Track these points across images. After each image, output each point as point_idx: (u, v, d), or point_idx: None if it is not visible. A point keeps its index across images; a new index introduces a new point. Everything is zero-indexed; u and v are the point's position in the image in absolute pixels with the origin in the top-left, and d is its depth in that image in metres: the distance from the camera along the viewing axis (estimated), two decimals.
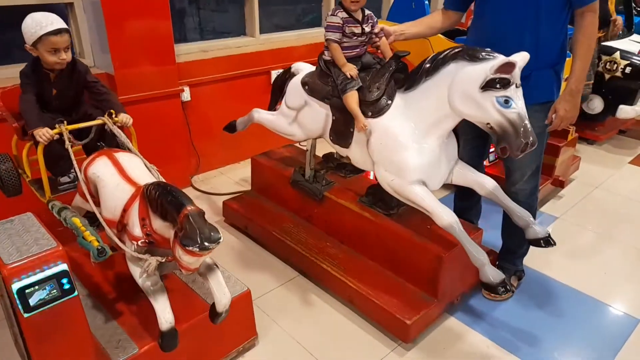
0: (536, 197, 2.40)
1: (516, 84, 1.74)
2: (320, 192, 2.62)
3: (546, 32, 2.04)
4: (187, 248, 1.41)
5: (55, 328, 1.50)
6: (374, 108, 2.09)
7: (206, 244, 1.40)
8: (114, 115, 2.04)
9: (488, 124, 1.80)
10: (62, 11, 2.99)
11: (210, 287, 1.72)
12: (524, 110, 1.75)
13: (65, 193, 2.14)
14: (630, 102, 4.09)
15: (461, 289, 2.37)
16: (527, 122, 1.74)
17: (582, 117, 4.11)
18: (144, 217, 1.62)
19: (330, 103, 2.27)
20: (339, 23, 2.11)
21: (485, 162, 2.83)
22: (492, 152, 3.30)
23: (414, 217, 2.30)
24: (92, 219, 1.88)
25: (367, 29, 2.16)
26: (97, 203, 1.83)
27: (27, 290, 1.41)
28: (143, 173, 1.84)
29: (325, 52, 2.24)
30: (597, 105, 4.22)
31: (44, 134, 1.90)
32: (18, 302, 1.41)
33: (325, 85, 2.27)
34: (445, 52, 1.88)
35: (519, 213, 2.05)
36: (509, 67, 1.69)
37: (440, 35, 3.04)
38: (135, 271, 1.69)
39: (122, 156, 1.90)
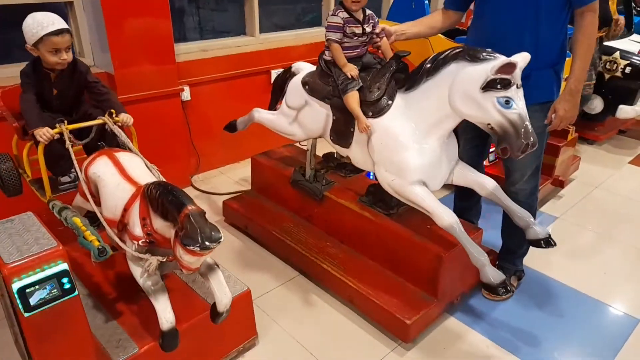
0: (536, 197, 2.40)
1: (517, 85, 1.74)
2: (320, 191, 2.62)
3: (546, 32, 2.04)
4: (188, 247, 1.41)
5: (55, 327, 1.50)
6: (374, 108, 2.09)
7: (207, 243, 1.40)
8: (114, 115, 2.04)
9: (489, 124, 1.80)
10: (62, 10, 2.99)
11: (211, 287, 1.72)
12: (524, 110, 1.75)
13: (66, 193, 2.14)
14: (630, 102, 4.10)
15: (461, 289, 2.37)
16: (527, 122, 1.74)
17: (582, 117, 4.13)
18: (145, 216, 1.62)
19: (330, 103, 2.27)
20: (339, 23, 2.11)
21: (485, 162, 2.83)
22: (492, 152, 3.30)
23: (414, 217, 2.30)
24: (92, 219, 1.88)
25: (368, 29, 2.16)
26: (98, 203, 1.83)
27: (27, 290, 1.41)
28: (144, 173, 1.84)
29: (326, 52, 2.24)
30: (597, 105, 4.22)
31: (44, 133, 1.90)
32: (18, 301, 1.41)
33: (325, 85, 2.27)
34: (446, 53, 1.88)
35: (520, 213, 2.05)
36: (509, 67, 1.69)
37: (440, 35, 3.04)
38: (136, 271, 1.69)
39: (122, 156, 1.90)
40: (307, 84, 2.37)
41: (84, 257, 2.10)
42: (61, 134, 1.94)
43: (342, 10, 2.11)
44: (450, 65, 1.86)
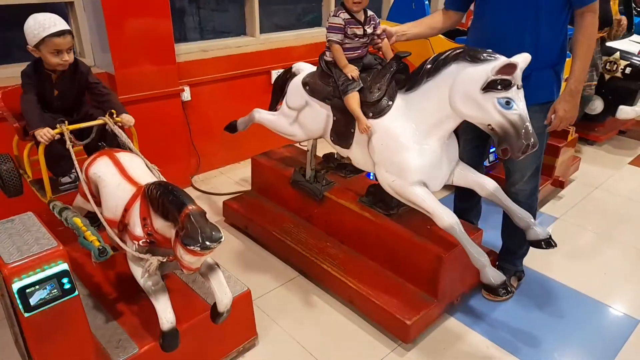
0: (536, 198, 2.40)
1: (517, 85, 1.74)
2: (320, 192, 2.62)
3: (546, 32, 2.04)
4: (188, 247, 1.41)
5: (55, 328, 1.50)
6: (375, 109, 2.09)
7: (207, 243, 1.40)
8: (114, 115, 2.04)
9: (489, 125, 1.80)
10: (63, 10, 2.99)
11: (211, 287, 1.72)
12: (525, 111, 1.75)
13: (67, 193, 2.14)
14: (630, 102, 4.10)
15: (461, 290, 2.37)
16: (528, 123, 1.74)
17: (583, 118, 4.13)
18: (145, 216, 1.62)
19: (331, 104, 2.27)
20: (340, 24, 2.10)
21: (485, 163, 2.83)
22: (492, 152, 3.31)
23: (414, 218, 2.30)
24: (93, 219, 1.88)
25: (369, 30, 2.16)
26: (98, 203, 1.83)
27: (27, 290, 1.41)
28: (144, 173, 1.84)
29: (327, 53, 2.24)
30: (597, 105, 4.22)
31: (45, 134, 1.90)
32: (18, 301, 1.41)
33: (326, 85, 2.27)
34: (447, 53, 1.88)
35: (520, 214, 2.05)
36: (510, 68, 1.69)
37: (440, 35, 3.04)
38: (137, 271, 1.69)
39: (123, 156, 1.90)
40: (308, 85, 2.37)
41: (85, 258, 2.10)
42: (62, 134, 1.94)
43: (344, 11, 2.11)
44: (451, 65, 1.86)
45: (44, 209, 2.03)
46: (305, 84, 2.38)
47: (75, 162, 1.88)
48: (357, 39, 2.14)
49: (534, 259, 2.66)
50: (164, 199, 1.52)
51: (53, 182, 2.11)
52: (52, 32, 1.91)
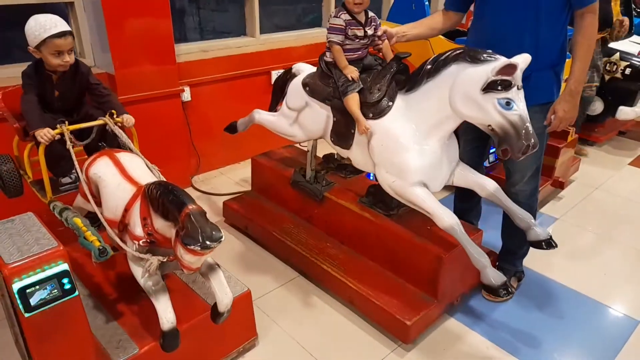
0: (536, 198, 2.40)
1: (518, 86, 1.74)
2: (320, 192, 2.62)
3: (546, 33, 2.05)
4: (188, 247, 1.41)
5: (56, 328, 1.50)
6: (375, 109, 2.09)
7: (208, 242, 1.40)
8: (115, 116, 2.05)
9: (489, 125, 1.80)
10: (63, 11, 2.99)
11: (211, 287, 1.72)
12: (525, 112, 1.75)
13: (67, 194, 2.14)
14: (630, 103, 4.10)
15: (461, 290, 2.37)
16: (528, 124, 1.74)
17: (586, 120, 4.13)
18: (146, 216, 1.63)
19: (331, 104, 2.27)
20: (341, 25, 2.10)
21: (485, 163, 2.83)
22: (492, 152, 3.31)
23: (414, 218, 2.30)
24: (93, 220, 1.88)
25: (370, 32, 2.15)
26: (99, 203, 1.83)
27: (27, 290, 1.41)
28: (144, 173, 1.84)
29: (327, 54, 2.24)
30: (597, 106, 4.23)
31: (45, 134, 1.90)
32: (19, 301, 1.41)
33: (326, 86, 2.27)
34: (447, 54, 1.88)
35: (521, 215, 2.05)
36: (510, 68, 1.69)
37: (441, 36, 3.04)
38: (137, 271, 1.69)
39: (123, 156, 1.90)
40: (308, 86, 2.37)
41: (85, 258, 2.10)
42: (62, 134, 1.94)
43: (345, 12, 2.11)
44: (451, 66, 1.86)
45: (44, 209, 2.03)
46: (305, 84, 2.38)
47: (76, 163, 1.88)
48: (357, 40, 2.14)
49: (534, 260, 2.66)
50: (164, 199, 1.52)
51: (53, 182, 2.11)
52: (53, 33, 1.91)
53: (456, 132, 2.10)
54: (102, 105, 2.14)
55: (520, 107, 1.74)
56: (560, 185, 3.46)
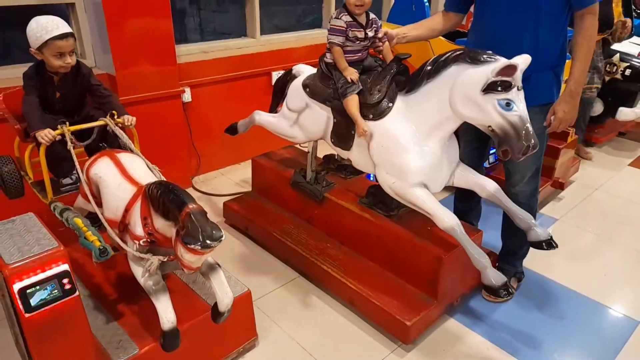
0: (536, 199, 2.40)
1: (518, 87, 1.74)
2: (320, 193, 2.62)
3: (546, 34, 2.05)
4: (189, 246, 1.41)
5: (56, 328, 1.51)
6: (375, 111, 2.10)
7: (208, 242, 1.40)
8: (115, 116, 2.05)
9: (489, 126, 1.80)
10: (64, 12, 3.00)
11: (212, 287, 1.72)
12: (525, 112, 1.75)
13: (67, 194, 2.14)
14: (630, 104, 4.10)
15: (461, 291, 2.37)
16: (528, 124, 1.74)
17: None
18: (146, 216, 1.63)
19: (331, 105, 2.28)
20: (342, 27, 2.09)
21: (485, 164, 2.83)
22: (492, 153, 3.31)
23: (414, 219, 2.30)
24: (94, 220, 1.88)
25: (371, 34, 2.15)
26: (99, 204, 1.83)
27: (28, 290, 1.42)
28: (145, 173, 1.84)
29: (327, 55, 2.24)
30: (597, 107, 4.23)
31: (46, 134, 1.91)
32: (19, 302, 1.41)
33: (326, 87, 2.27)
34: (447, 55, 1.88)
35: (521, 215, 2.06)
36: (510, 69, 1.69)
37: (441, 37, 3.04)
38: (137, 271, 1.69)
39: (124, 157, 1.91)
40: (308, 87, 2.37)
41: (85, 258, 2.10)
42: (63, 135, 1.94)
43: (346, 13, 2.10)
44: (451, 67, 1.86)
45: (44, 210, 2.03)
46: (305, 86, 2.38)
47: (76, 163, 1.88)
48: (358, 42, 2.14)
49: (533, 260, 2.66)
50: (164, 198, 1.53)
51: (54, 183, 2.12)
52: (55, 35, 1.92)
53: (456, 133, 2.10)
54: (103, 106, 2.15)
55: (520, 107, 1.74)
56: (560, 186, 3.46)
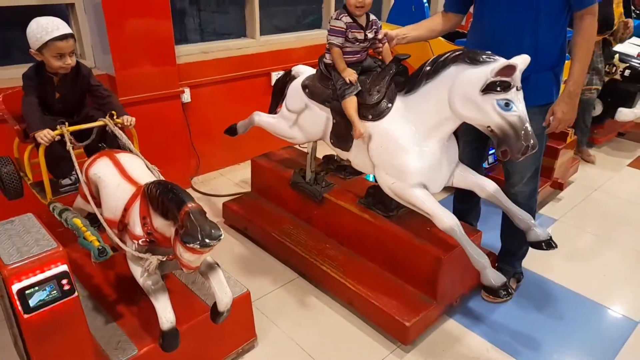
0: (535, 199, 2.40)
1: (517, 87, 1.74)
2: (320, 193, 2.62)
3: (545, 34, 2.05)
4: (188, 245, 1.41)
5: (55, 329, 1.50)
6: (374, 111, 2.10)
7: (207, 240, 1.40)
8: (115, 117, 2.05)
9: (489, 126, 1.80)
10: (63, 12, 3.00)
11: (211, 286, 1.72)
12: (524, 113, 1.75)
13: (67, 195, 2.14)
14: (629, 104, 4.10)
15: (460, 291, 2.37)
16: (527, 125, 1.74)
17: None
18: (145, 215, 1.63)
19: (330, 106, 2.28)
20: (342, 28, 2.09)
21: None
22: (491, 154, 3.31)
23: (413, 219, 2.31)
24: (93, 221, 1.88)
25: (370, 35, 2.14)
26: (99, 204, 1.83)
27: (27, 291, 1.42)
28: (144, 173, 1.85)
29: (326, 55, 2.24)
30: (596, 108, 4.23)
31: (45, 135, 1.91)
32: (18, 302, 1.41)
33: (325, 88, 2.27)
34: (446, 55, 1.88)
35: (520, 215, 2.06)
36: (509, 69, 1.69)
37: (440, 38, 3.05)
38: (136, 271, 1.69)
39: (123, 157, 1.91)
40: (307, 88, 2.37)
41: (84, 259, 2.10)
42: (62, 135, 1.94)
43: (346, 14, 2.10)
44: (450, 67, 1.86)
45: (44, 210, 2.03)
46: (304, 86, 2.38)
47: (76, 163, 1.88)
48: (357, 43, 2.14)
49: (533, 261, 2.66)
50: (163, 198, 1.53)
51: (53, 184, 2.12)
52: (55, 36, 1.92)
53: (455, 134, 2.10)
54: (103, 107, 2.15)
55: (519, 107, 1.74)
56: (559, 187, 3.46)
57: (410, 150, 2.01)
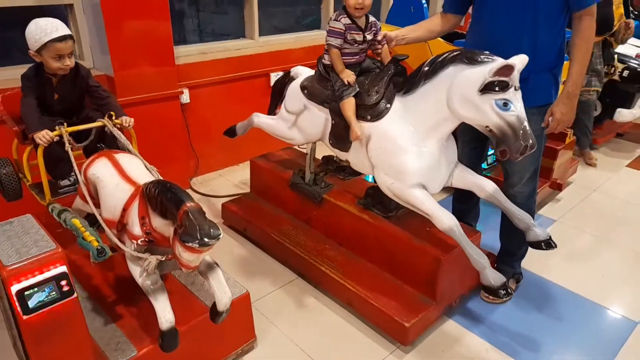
0: (534, 200, 2.40)
1: (515, 87, 1.74)
2: (319, 194, 2.62)
3: (544, 35, 2.05)
4: (186, 244, 1.40)
5: (54, 330, 1.50)
6: (372, 112, 2.10)
7: (206, 240, 1.39)
8: (113, 117, 2.05)
9: (487, 126, 1.80)
10: (62, 13, 3.00)
11: (210, 286, 1.72)
12: (523, 112, 1.75)
13: (65, 196, 2.14)
14: (628, 105, 4.11)
15: (460, 292, 2.37)
16: (526, 124, 1.74)
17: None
18: (144, 215, 1.62)
19: (329, 107, 2.28)
20: (341, 29, 2.09)
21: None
22: (490, 154, 3.31)
23: (412, 220, 2.31)
24: (92, 222, 1.88)
25: (369, 37, 2.14)
26: (97, 205, 1.83)
27: (26, 292, 1.41)
28: (143, 173, 1.84)
29: (325, 56, 2.24)
30: (595, 108, 4.23)
31: (43, 135, 1.91)
32: (17, 304, 1.41)
33: (324, 89, 2.27)
34: (444, 55, 1.89)
35: (520, 215, 2.06)
36: (507, 69, 1.70)
37: (439, 38, 3.05)
38: (135, 270, 1.68)
39: (122, 157, 1.91)
40: (306, 89, 2.37)
41: (83, 260, 2.10)
42: (61, 136, 1.94)
43: (345, 16, 2.09)
44: (448, 68, 1.86)
45: (42, 211, 2.02)
46: (303, 87, 2.38)
47: (74, 164, 1.88)
48: (356, 44, 2.13)
49: (532, 261, 2.66)
50: (162, 197, 1.52)
51: (52, 185, 2.11)
52: (54, 37, 1.92)
53: (454, 134, 2.10)
54: (102, 108, 2.15)
55: (517, 107, 1.74)
56: (558, 187, 3.46)
57: (409, 150, 2.01)
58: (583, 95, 3.71)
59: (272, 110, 2.75)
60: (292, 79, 2.53)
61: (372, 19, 2.17)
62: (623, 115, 4.09)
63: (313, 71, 2.42)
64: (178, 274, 2.12)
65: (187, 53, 3.48)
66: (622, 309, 2.48)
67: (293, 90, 2.45)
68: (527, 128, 1.74)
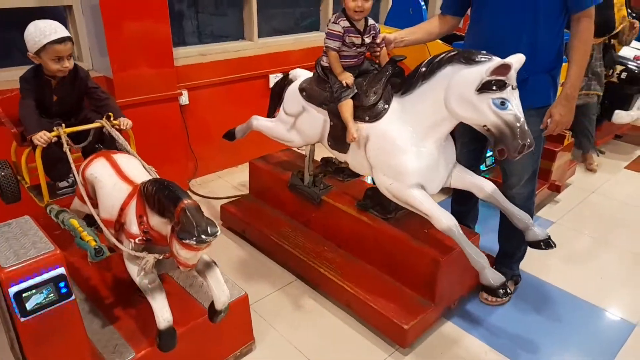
0: (533, 202, 2.41)
1: (512, 86, 1.75)
2: (318, 196, 2.62)
3: (544, 36, 2.06)
4: (184, 242, 1.40)
5: (52, 332, 1.50)
6: (371, 113, 2.10)
7: (203, 237, 1.39)
8: (112, 118, 2.05)
9: (485, 126, 1.81)
10: (61, 14, 3.00)
11: (208, 285, 1.71)
12: (520, 111, 1.76)
13: (64, 197, 2.13)
14: (626, 107, 4.11)
15: (458, 293, 2.37)
16: (524, 123, 1.74)
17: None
18: (141, 214, 1.62)
19: (328, 109, 2.28)
20: (340, 32, 2.09)
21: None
22: (489, 156, 3.32)
23: (411, 221, 2.31)
24: (90, 223, 1.88)
25: (368, 40, 2.14)
26: (95, 205, 1.83)
27: (24, 294, 1.41)
28: (141, 173, 1.84)
29: (323, 58, 2.24)
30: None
31: (41, 136, 1.91)
32: (15, 306, 1.40)
33: (322, 91, 2.27)
34: (441, 56, 1.89)
35: (519, 215, 2.06)
36: (504, 69, 1.70)
37: (438, 40, 3.05)
38: (133, 270, 1.68)
39: (120, 157, 1.91)
40: (304, 91, 2.37)
41: (81, 262, 2.10)
42: (59, 137, 1.94)
43: (344, 18, 2.09)
44: (446, 68, 1.87)
45: (41, 213, 2.02)
46: (302, 89, 2.39)
47: (72, 165, 1.88)
48: (354, 47, 2.13)
49: (530, 263, 2.66)
50: (159, 195, 1.52)
51: (51, 187, 2.11)
52: (53, 39, 1.92)
53: (453, 135, 2.10)
54: (101, 109, 2.15)
55: (515, 106, 1.74)
56: (556, 189, 3.47)
57: (407, 150, 2.01)
58: (581, 98, 3.68)
59: (271, 113, 2.75)
60: (291, 81, 2.53)
61: (371, 22, 2.16)
62: (621, 117, 4.09)
63: (311, 73, 2.42)
64: (176, 275, 2.12)
65: (186, 54, 3.48)
66: (621, 310, 2.48)
67: (292, 93, 2.46)
68: (525, 127, 1.74)
